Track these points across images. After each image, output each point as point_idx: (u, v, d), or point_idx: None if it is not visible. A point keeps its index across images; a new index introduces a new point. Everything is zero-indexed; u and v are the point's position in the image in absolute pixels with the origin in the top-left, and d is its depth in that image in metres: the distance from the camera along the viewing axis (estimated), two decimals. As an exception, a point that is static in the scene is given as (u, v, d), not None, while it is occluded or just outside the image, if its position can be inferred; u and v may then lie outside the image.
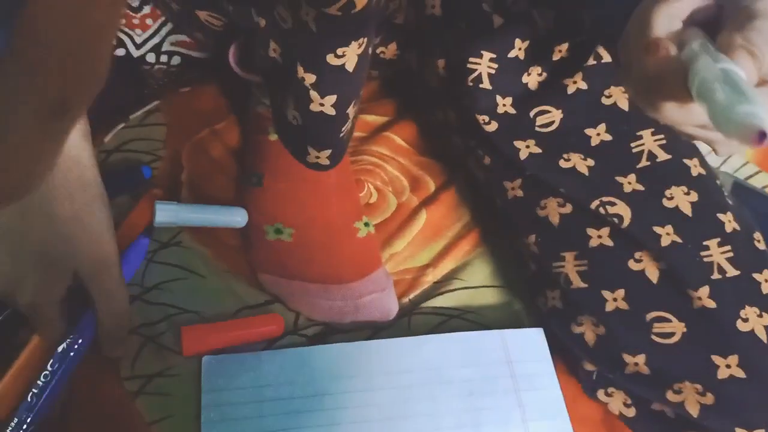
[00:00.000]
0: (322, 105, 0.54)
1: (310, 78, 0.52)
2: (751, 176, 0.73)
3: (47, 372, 0.51)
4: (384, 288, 0.61)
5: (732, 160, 0.74)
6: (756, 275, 0.53)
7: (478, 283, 0.64)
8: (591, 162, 0.58)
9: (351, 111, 0.56)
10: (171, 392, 0.55)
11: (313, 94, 0.53)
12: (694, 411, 0.51)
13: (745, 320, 0.52)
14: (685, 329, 0.52)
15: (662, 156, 0.57)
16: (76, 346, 0.52)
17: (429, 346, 0.58)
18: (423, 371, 0.57)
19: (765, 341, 0.51)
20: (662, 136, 0.58)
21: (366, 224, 0.63)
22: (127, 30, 0.67)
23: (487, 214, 0.67)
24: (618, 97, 0.60)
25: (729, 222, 0.55)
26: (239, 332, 0.58)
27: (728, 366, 0.51)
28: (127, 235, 0.59)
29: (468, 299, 0.63)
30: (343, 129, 0.57)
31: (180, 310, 0.59)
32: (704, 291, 0.52)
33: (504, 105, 0.60)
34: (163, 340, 0.58)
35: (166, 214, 0.58)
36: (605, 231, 0.55)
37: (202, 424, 0.53)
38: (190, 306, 0.59)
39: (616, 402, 0.56)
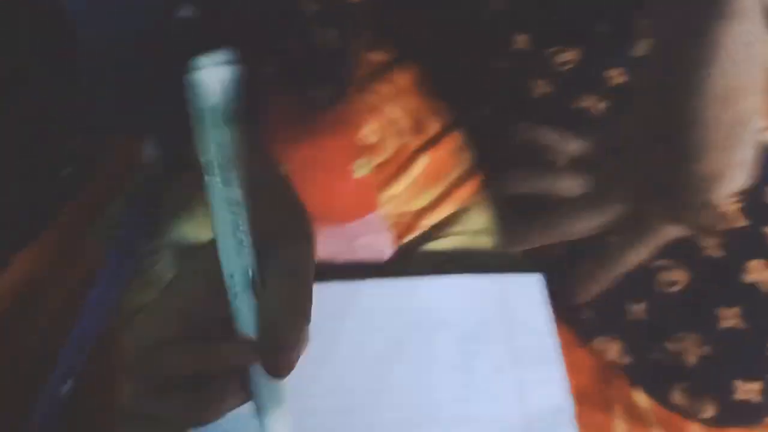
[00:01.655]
0: (323, 38, 0.51)
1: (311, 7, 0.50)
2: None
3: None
4: (380, 230, 0.59)
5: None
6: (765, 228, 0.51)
7: (476, 228, 0.62)
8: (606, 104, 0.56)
9: (354, 46, 0.54)
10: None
11: (315, 27, 0.50)
12: (692, 361, 0.49)
13: (751, 272, 0.50)
14: (689, 278, 0.50)
15: None
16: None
17: (424, 288, 0.57)
18: (416, 313, 0.56)
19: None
20: None
21: (364, 165, 0.61)
22: None
23: (489, 160, 0.64)
24: None
25: None
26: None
27: (730, 317, 0.49)
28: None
29: (466, 244, 0.61)
30: (345, 65, 0.55)
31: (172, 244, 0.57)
32: (712, 241, 0.50)
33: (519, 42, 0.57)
34: (153, 275, 0.56)
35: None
36: None
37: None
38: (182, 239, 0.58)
39: (613, 350, 0.54)
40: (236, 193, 0.35)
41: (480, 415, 0.52)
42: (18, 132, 0.58)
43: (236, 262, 0.36)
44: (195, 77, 0.35)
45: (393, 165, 0.64)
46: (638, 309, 0.50)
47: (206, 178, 0.35)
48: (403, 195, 0.63)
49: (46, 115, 0.58)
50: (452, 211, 0.62)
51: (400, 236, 0.61)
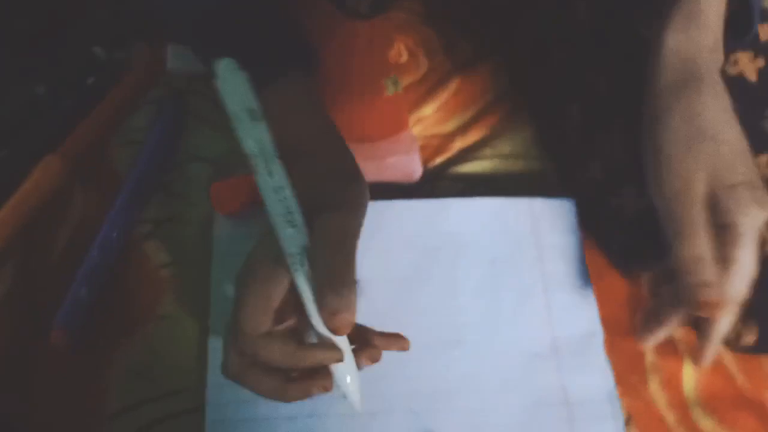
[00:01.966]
0: None
1: None
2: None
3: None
4: (409, 150, 0.58)
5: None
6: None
7: (507, 152, 0.60)
8: None
9: None
10: (180, 238, 0.53)
11: None
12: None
13: None
14: None
15: None
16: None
17: (453, 209, 0.55)
18: (444, 235, 0.54)
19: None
20: None
21: (395, 83, 0.59)
22: None
23: (523, 85, 0.62)
24: None
25: None
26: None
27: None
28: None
29: (496, 167, 0.59)
30: None
31: (192, 157, 0.56)
32: (764, 159, 0.47)
33: None
34: (174, 187, 0.55)
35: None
36: None
37: (211, 270, 0.51)
38: (203, 153, 0.56)
39: (647, 279, 0.52)
40: (282, 181, 0.38)
41: (508, 339, 0.51)
42: (43, 39, 0.56)
43: (292, 243, 0.39)
44: (223, 83, 0.38)
45: (424, 86, 0.62)
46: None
47: (253, 172, 0.38)
48: (433, 117, 0.61)
49: (70, 22, 0.57)
50: (483, 135, 0.60)
51: (429, 158, 0.59)
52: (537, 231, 0.55)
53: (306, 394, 0.40)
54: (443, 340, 0.51)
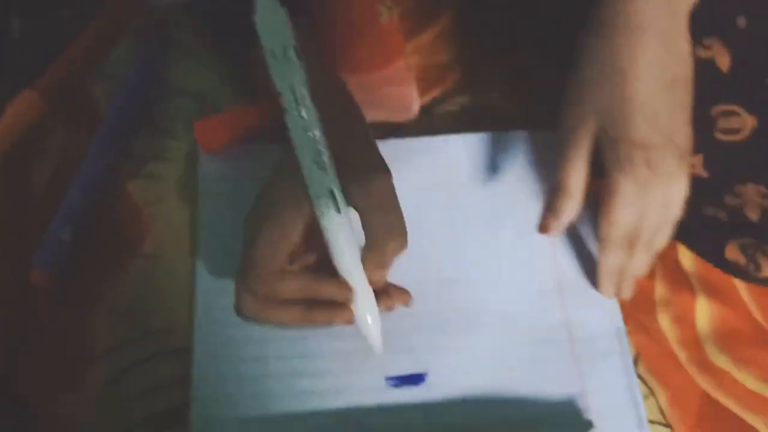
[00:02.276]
0: None
1: None
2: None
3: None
4: (405, 81, 0.54)
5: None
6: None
7: (513, 84, 0.56)
8: None
9: None
10: (165, 176, 0.51)
11: None
12: (754, 215, 0.44)
13: None
14: (755, 123, 0.44)
15: None
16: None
17: (450, 146, 0.52)
18: (441, 173, 0.52)
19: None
20: None
21: (389, 8, 0.55)
22: None
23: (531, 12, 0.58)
24: None
25: None
26: (255, 122, 0.52)
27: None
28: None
29: (499, 99, 0.56)
30: None
31: (176, 91, 0.53)
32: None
33: None
34: (158, 123, 0.53)
35: None
36: None
37: (198, 209, 0.49)
38: (188, 87, 0.53)
39: None
40: (313, 122, 0.39)
41: (509, 276, 0.48)
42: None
43: (320, 186, 0.39)
44: (261, 18, 0.38)
45: (419, 13, 0.58)
46: (695, 161, 0.45)
47: (284, 111, 0.38)
48: (430, 47, 0.58)
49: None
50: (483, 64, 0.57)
51: (426, 90, 0.56)
52: (540, 165, 0.52)
53: (330, 320, 0.41)
54: (441, 279, 0.48)
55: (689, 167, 0.43)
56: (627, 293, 0.47)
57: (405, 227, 0.41)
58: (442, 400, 0.44)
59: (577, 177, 0.45)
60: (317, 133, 0.39)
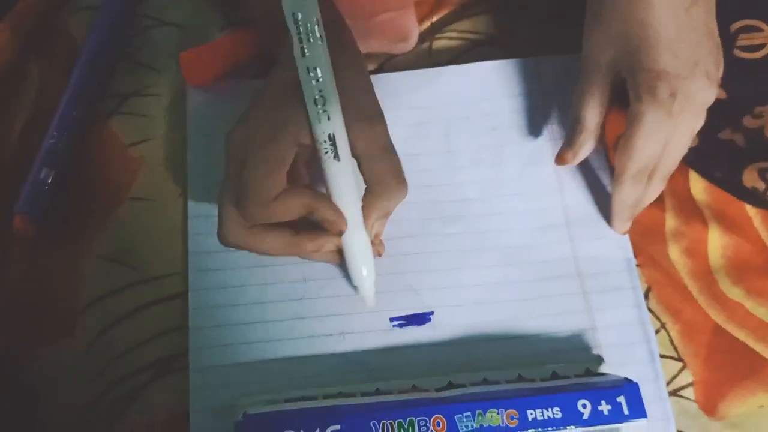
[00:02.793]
0: None
1: None
2: None
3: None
4: (402, 6, 0.51)
5: None
6: None
7: (515, 6, 0.53)
8: None
9: None
10: (149, 113, 0.48)
11: None
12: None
13: None
14: None
15: None
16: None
17: (446, 77, 0.50)
18: (440, 106, 0.49)
19: None
20: None
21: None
22: None
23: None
24: None
25: None
26: (244, 48, 0.48)
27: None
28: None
29: (501, 23, 0.53)
30: None
31: (157, 22, 0.50)
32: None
33: None
34: (139, 56, 0.49)
35: None
36: None
37: (187, 147, 0.46)
38: (168, 17, 0.50)
39: None
40: (317, 60, 0.36)
41: (513, 211, 0.46)
42: None
43: (319, 129, 0.37)
44: None
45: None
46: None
47: (294, 52, 0.35)
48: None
49: None
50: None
51: (425, 15, 0.53)
52: (544, 93, 0.49)
53: (319, 246, 0.40)
54: (442, 216, 0.46)
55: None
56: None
57: (404, 175, 0.40)
58: (448, 338, 0.43)
59: (593, 110, 0.43)
60: (320, 72, 0.36)
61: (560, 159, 0.45)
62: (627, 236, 0.46)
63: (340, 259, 0.42)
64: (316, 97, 0.36)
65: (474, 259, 0.45)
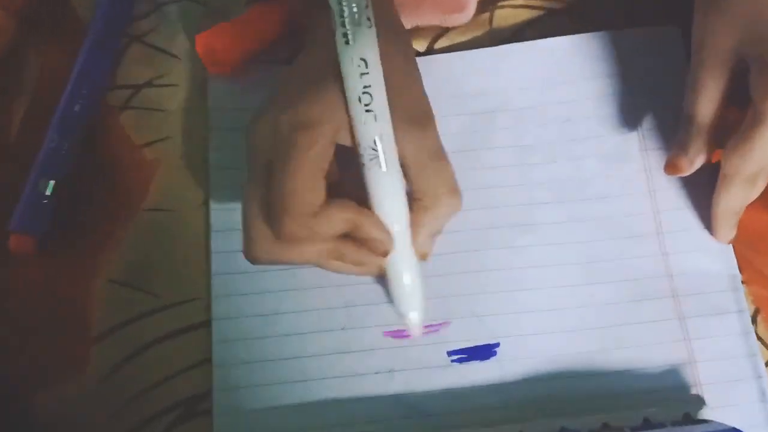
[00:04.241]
0: None
1: None
2: None
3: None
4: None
5: None
6: None
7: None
8: None
9: None
10: (165, 107, 0.41)
11: None
12: None
13: None
14: None
15: None
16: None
17: (513, 57, 0.42)
18: (503, 92, 0.42)
19: None
20: None
21: None
22: None
23: None
24: None
25: None
26: (275, 26, 0.42)
27: None
28: None
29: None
30: None
31: (175, -1, 0.43)
32: None
33: None
34: (153, 38, 0.43)
35: None
36: None
37: (210, 146, 0.40)
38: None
39: None
40: (364, 50, 0.30)
41: (594, 218, 0.40)
42: None
43: (363, 131, 0.31)
44: None
45: None
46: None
47: (336, 37, 0.30)
48: None
49: None
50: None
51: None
52: (630, 75, 0.42)
53: (360, 263, 0.34)
54: (510, 225, 0.39)
55: None
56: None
57: (456, 182, 0.34)
58: (518, 376, 0.37)
59: (710, 105, 0.36)
60: (369, 64, 0.30)
61: (672, 168, 0.38)
62: (731, 248, 0.39)
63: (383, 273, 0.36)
64: (362, 93, 0.31)
65: (548, 277, 0.39)
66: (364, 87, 0.31)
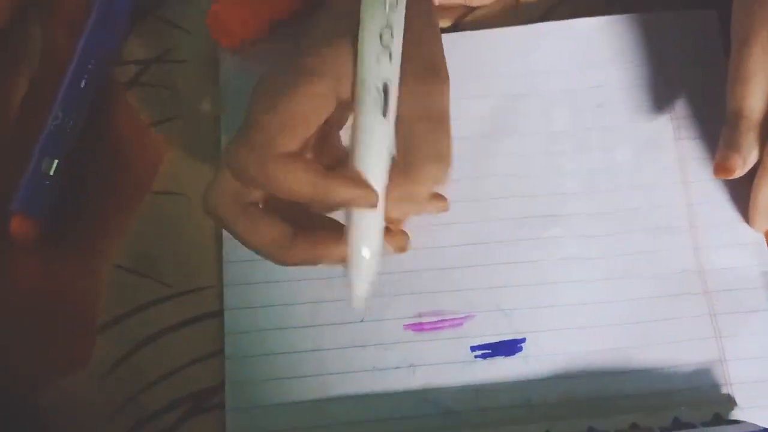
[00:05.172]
0: None
1: None
2: None
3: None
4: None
5: None
6: None
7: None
8: None
9: None
10: (176, 84, 0.39)
11: None
12: None
13: None
14: None
15: None
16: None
17: (542, 37, 0.40)
18: (531, 75, 0.40)
19: None
20: None
21: None
22: None
23: None
24: None
25: None
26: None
27: None
28: None
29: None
30: None
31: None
32: None
33: None
34: (163, 12, 0.41)
35: None
36: None
37: (221, 126, 0.38)
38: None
39: None
40: None
41: (624, 210, 0.38)
42: None
43: (373, 71, 0.29)
44: None
45: None
46: None
47: None
48: None
49: None
50: None
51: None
52: (666, 59, 0.40)
53: (314, 255, 0.30)
54: (536, 216, 0.38)
55: None
56: None
57: (451, 153, 0.30)
58: (544, 373, 0.35)
59: (758, 99, 0.34)
60: (394, 9, 0.29)
61: (723, 170, 0.36)
62: (764, 244, 0.37)
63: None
64: (384, 29, 0.29)
65: (576, 271, 0.37)
66: (387, 24, 0.29)
